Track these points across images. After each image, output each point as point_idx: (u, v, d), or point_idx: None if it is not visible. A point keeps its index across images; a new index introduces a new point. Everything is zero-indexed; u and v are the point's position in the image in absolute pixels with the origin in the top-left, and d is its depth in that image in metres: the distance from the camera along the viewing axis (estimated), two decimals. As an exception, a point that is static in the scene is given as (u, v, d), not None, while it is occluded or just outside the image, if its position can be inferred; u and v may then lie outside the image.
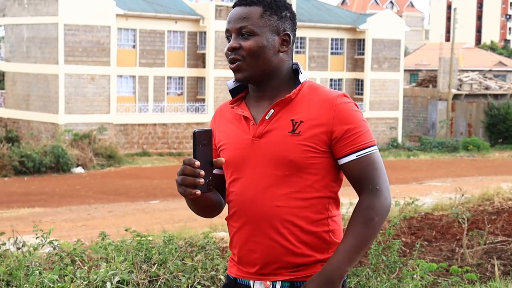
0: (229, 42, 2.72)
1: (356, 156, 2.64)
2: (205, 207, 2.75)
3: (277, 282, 2.70)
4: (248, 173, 2.70)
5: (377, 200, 2.64)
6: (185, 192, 2.53)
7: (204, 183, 2.52)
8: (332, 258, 2.61)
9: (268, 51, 2.69)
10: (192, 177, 2.51)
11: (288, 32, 2.74)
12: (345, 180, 2.77)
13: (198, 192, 2.52)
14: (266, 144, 2.65)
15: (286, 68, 2.76)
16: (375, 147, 2.69)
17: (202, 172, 2.51)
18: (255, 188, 2.68)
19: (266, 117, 2.69)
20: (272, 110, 2.69)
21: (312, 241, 2.70)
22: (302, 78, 2.74)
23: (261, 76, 2.71)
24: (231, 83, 2.82)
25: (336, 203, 2.76)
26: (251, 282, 2.74)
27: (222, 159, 2.62)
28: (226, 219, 2.81)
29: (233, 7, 2.75)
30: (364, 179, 2.65)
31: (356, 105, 2.71)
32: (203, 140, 2.54)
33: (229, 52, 2.71)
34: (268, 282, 2.71)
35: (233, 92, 2.82)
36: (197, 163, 2.50)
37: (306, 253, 2.69)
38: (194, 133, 2.52)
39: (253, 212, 2.69)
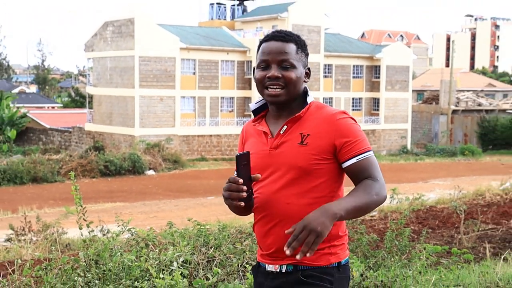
0: (263, 71, 2.70)
1: (356, 159, 2.64)
2: (243, 211, 2.73)
3: (283, 265, 2.70)
4: (267, 177, 2.71)
5: (378, 185, 2.62)
6: (232, 204, 2.57)
7: (246, 196, 2.55)
8: (335, 201, 2.54)
9: (300, 81, 2.72)
10: (237, 192, 2.54)
11: (309, 67, 2.80)
12: (345, 182, 2.76)
13: (242, 204, 2.55)
14: (280, 153, 2.67)
15: (302, 93, 2.79)
16: (371, 152, 2.68)
17: (245, 188, 2.54)
18: (271, 189, 2.69)
19: (281, 132, 2.72)
20: (285, 126, 2.72)
21: None
22: (309, 99, 2.76)
23: (291, 101, 2.73)
24: (253, 105, 2.85)
25: None
26: (266, 265, 2.76)
27: (259, 175, 2.64)
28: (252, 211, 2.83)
29: (267, 40, 2.72)
30: (365, 175, 2.64)
31: (353, 119, 2.71)
32: (243, 161, 2.56)
33: (268, 79, 2.69)
34: (277, 266, 2.72)
35: (255, 112, 2.85)
36: (241, 180, 2.53)
37: None
38: (237, 156, 2.54)
39: (269, 208, 2.70)
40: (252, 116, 2.87)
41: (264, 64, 2.71)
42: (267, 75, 2.69)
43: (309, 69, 2.79)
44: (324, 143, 2.65)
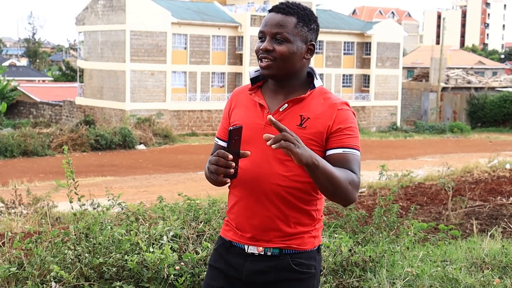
0: (261, 42, 2.60)
1: (343, 151, 2.52)
2: (223, 184, 2.50)
3: (268, 248, 2.59)
4: (256, 153, 2.55)
5: (356, 180, 2.50)
6: (217, 179, 2.41)
7: (233, 172, 2.41)
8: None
9: (296, 57, 2.59)
10: (224, 168, 2.38)
11: (314, 43, 2.64)
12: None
13: (229, 180, 2.42)
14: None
15: (304, 71, 2.67)
16: (359, 153, 2.56)
17: (233, 164, 2.39)
18: (261, 167, 2.56)
19: (280, 109, 2.59)
20: (286, 105, 2.58)
21: (302, 217, 2.60)
22: (317, 83, 2.64)
23: (284, 76, 2.61)
24: (253, 73, 2.69)
25: None
26: (246, 246, 2.62)
27: (248, 152, 2.45)
28: (229, 187, 2.68)
29: (270, 11, 2.61)
30: (347, 167, 2.51)
31: (354, 113, 2.61)
32: (235, 135, 2.39)
33: (261, 51, 2.58)
34: (261, 248, 2.60)
35: (253, 80, 2.68)
36: (230, 156, 2.37)
37: (296, 226, 2.60)
38: (230, 130, 2.38)
39: (257, 187, 2.57)
40: (245, 84, 2.75)
41: (261, 35, 2.60)
42: (260, 47, 2.59)
43: (313, 45, 2.63)
44: (321, 128, 2.55)
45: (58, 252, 4.52)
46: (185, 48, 39.30)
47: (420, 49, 75.34)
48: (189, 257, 4.51)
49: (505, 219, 8.56)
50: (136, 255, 4.37)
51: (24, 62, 77.62)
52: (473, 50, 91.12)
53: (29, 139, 27.48)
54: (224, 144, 2.70)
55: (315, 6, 43.19)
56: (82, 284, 4.31)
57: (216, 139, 2.79)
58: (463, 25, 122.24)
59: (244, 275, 2.62)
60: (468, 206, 9.74)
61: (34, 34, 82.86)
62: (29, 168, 23.06)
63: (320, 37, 43.71)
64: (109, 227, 4.75)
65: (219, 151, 2.40)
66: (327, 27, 44.24)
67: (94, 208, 5.34)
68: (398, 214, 7.00)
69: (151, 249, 4.44)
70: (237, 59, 41.15)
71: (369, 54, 45.99)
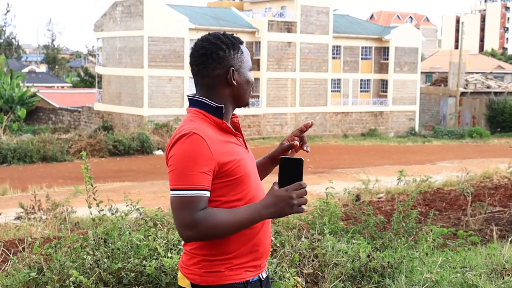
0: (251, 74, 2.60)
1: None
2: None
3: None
4: (257, 179, 2.55)
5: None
6: (299, 210, 2.34)
7: None
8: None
9: None
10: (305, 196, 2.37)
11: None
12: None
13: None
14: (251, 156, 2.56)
15: None
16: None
17: None
18: (262, 190, 2.57)
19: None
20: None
21: None
22: None
23: None
24: (214, 104, 2.48)
25: None
26: (261, 275, 2.53)
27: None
28: None
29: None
30: None
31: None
32: (299, 165, 2.39)
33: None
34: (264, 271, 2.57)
35: (219, 110, 2.47)
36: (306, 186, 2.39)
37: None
38: (301, 160, 2.36)
39: None
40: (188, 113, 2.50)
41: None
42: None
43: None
44: None
45: (77, 257, 4.55)
46: (203, 54, 39.35)
47: (439, 53, 74.96)
48: (207, 263, 4.51)
49: (526, 225, 8.48)
50: (154, 261, 4.38)
51: (43, 68, 78.28)
52: (492, 54, 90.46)
53: (48, 144, 27.68)
54: None
55: (332, 11, 43.14)
56: (101, 289, 4.34)
57: (203, 191, 2.35)
58: (482, 29, 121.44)
59: None
60: (487, 212, 9.67)
61: (53, 40, 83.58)
62: (48, 174, 23.22)
63: (338, 42, 43.66)
64: (127, 232, 4.77)
65: (304, 182, 2.35)
66: (345, 32, 44.17)
67: (113, 214, 5.37)
68: (417, 219, 6.97)
69: (169, 255, 4.45)
70: (255, 64, 41.18)
71: (387, 59, 45.83)
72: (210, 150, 2.34)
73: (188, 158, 2.33)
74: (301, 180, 2.37)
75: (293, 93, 41.34)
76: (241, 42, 2.57)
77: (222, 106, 2.47)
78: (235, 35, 2.59)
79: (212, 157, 2.34)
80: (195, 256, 2.42)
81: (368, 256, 5.12)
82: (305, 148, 2.65)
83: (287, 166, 2.37)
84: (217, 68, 2.47)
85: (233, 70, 2.49)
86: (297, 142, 2.66)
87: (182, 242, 2.54)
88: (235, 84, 2.50)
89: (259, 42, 40.59)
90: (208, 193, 2.35)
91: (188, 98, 2.55)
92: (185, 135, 2.35)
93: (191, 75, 2.57)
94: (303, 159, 2.38)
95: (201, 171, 2.33)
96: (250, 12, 43.98)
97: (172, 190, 2.39)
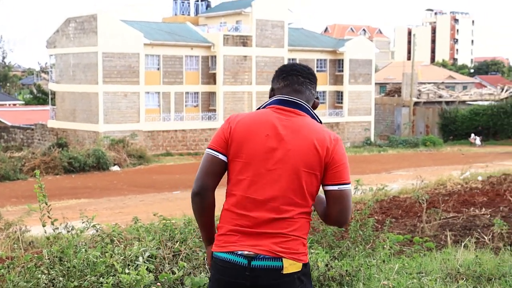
0: None
1: None
2: None
3: None
4: None
5: None
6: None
7: None
8: None
9: None
10: None
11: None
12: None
13: None
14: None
15: None
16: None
17: None
18: None
19: None
20: None
21: None
22: None
23: None
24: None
25: None
26: None
27: None
28: None
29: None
30: None
31: None
32: None
33: None
34: None
35: None
36: None
37: None
38: None
39: None
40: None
41: None
42: None
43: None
44: None
45: (32, 277, 4.46)
46: (158, 69, 39.26)
47: (392, 65, 76.16)
48: (166, 277, 4.48)
49: (478, 230, 8.63)
50: (111, 277, 4.33)
51: (-6, 86, 76.84)
52: (444, 65, 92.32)
53: (0, 163, 27.16)
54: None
55: (287, 25, 43.49)
56: (57, 308, 4.26)
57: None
58: (433, 41, 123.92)
59: None
60: (442, 218, 9.82)
61: (4, 58, 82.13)
62: (1, 193, 22.75)
63: (293, 55, 43.98)
64: (83, 249, 4.70)
65: None
66: (300, 45, 44.56)
67: (68, 231, 5.28)
68: (374, 227, 7.04)
69: (127, 270, 4.40)
70: (211, 78, 41.21)
71: (342, 71, 46.37)
72: None
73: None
74: None
75: (249, 106, 41.43)
76: None
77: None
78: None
79: None
80: (302, 239, 2.80)
81: (327, 265, 5.14)
82: None
83: None
84: (315, 88, 3.22)
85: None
86: None
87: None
88: (318, 103, 3.19)
89: (215, 56, 40.65)
90: None
91: (288, 99, 2.99)
92: (339, 139, 2.94)
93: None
94: None
95: None
96: (205, 26, 44.03)
97: (347, 184, 2.82)
